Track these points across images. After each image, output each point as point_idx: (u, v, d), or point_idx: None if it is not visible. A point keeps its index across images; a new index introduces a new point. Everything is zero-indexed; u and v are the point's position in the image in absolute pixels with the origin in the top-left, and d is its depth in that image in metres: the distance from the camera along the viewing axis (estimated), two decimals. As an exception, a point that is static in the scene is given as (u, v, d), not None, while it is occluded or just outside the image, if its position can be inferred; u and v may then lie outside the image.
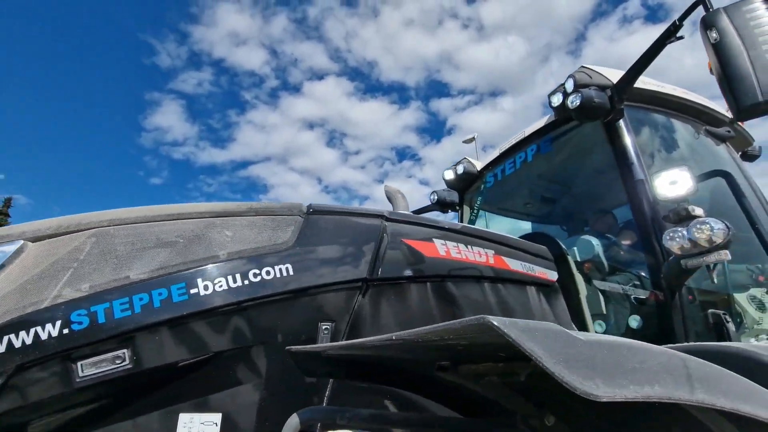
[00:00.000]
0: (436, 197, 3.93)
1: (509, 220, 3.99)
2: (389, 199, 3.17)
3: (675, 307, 2.05)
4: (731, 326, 2.00)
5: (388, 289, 1.54)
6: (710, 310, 2.08)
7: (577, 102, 2.50)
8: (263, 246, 1.38)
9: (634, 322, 2.29)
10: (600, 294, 2.72)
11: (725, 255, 1.60)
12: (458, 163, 3.94)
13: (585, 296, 2.63)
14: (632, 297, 2.44)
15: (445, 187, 4.08)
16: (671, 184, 1.73)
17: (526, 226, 4.02)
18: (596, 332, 2.44)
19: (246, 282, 1.28)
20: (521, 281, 2.20)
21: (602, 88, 2.56)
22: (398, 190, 3.22)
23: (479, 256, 2.02)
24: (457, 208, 4.04)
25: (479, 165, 3.87)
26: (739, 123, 3.13)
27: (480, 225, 3.89)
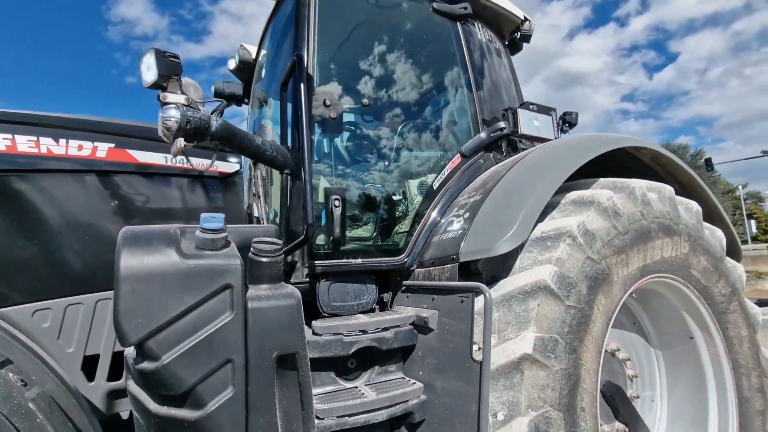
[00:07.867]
0: (214, 89, 3.73)
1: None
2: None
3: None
4: (338, 214, 2.09)
5: None
6: (333, 196, 2.14)
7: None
8: None
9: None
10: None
11: (180, 145, 1.59)
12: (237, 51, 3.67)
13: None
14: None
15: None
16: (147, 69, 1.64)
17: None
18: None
19: None
20: (162, 174, 2.25)
21: None
22: (193, 81, 3.06)
23: (80, 150, 2.01)
24: (246, 101, 3.86)
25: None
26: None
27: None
